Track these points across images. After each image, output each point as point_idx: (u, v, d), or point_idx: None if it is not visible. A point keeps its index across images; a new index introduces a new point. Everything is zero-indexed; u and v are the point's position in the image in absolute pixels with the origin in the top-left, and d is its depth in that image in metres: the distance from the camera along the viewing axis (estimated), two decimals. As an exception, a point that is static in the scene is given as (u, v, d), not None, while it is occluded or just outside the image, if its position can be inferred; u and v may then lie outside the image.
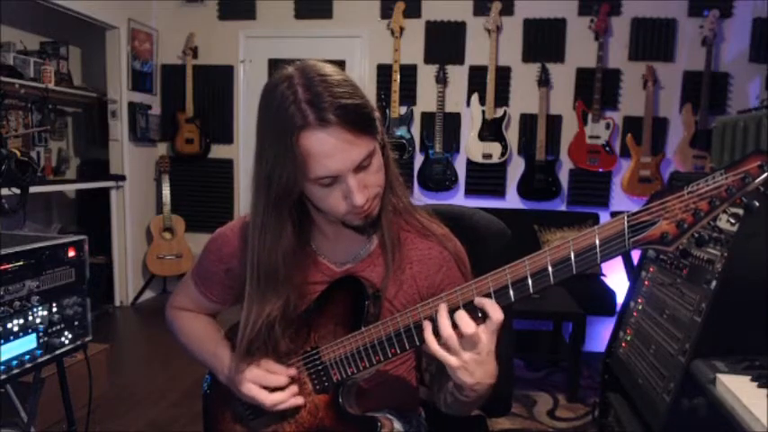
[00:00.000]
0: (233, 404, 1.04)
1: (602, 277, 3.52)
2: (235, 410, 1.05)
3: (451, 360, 0.79)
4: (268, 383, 0.94)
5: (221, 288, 1.09)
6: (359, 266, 1.00)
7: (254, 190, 0.92)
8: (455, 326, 0.79)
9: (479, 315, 0.79)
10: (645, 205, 0.72)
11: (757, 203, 0.67)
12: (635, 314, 1.69)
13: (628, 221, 0.72)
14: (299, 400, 0.96)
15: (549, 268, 0.76)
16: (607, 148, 3.91)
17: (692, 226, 0.70)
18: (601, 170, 3.96)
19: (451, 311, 0.80)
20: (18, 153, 1.59)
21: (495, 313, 0.78)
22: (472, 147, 4.02)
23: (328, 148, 0.81)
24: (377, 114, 0.88)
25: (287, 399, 0.94)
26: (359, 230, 0.97)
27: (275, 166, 0.85)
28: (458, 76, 4.10)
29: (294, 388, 0.96)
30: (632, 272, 2.06)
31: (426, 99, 4.14)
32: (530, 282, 0.77)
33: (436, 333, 0.81)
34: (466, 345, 0.79)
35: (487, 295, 0.79)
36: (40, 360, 1.54)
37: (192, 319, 1.14)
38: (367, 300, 0.92)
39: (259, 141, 0.89)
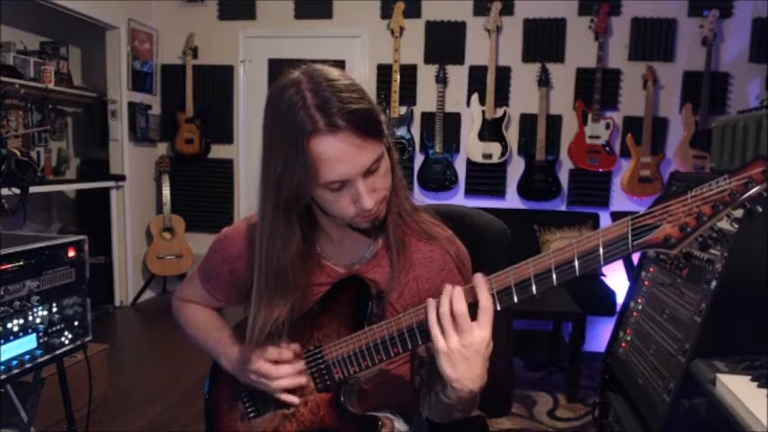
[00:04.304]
0: (234, 404, 1.05)
1: (603, 277, 3.52)
2: (236, 410, 1.05)
3: (439, 341, 0.80)
4: (270, 357, 0.95)
5: (225, 287, 1.11)
6: (363, 268, 1.01)
7: (263, 195, 0.92)
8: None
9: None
10: (649, 208, 0.72)
11: (760, 208, 0.67)
12: (635, 314, 1.69)
13: (631, 224, 0.72)
14: (302, 379, 0.96)
15: (553, 270, 0.76)
16: (607, 148, 3.91)
17: (695, 230, 0.70)
18: (601, 170, 3.96)
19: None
20: (18, 153, 1.59)
21: (485, 298, 0.78)
22: (472, 147, 4.02)
23: (338, 153, 0.81)
24: (383, 118, 0.88)
25: (291, 373, 0.95)
26: (366, 233, 0.97)
27: (284, 172, 0.85)
28: (458, 76, 4.10)
29: (299, 365, 0.96)
30: (632, 272, 2.06)
31: (426, 99, 4.13)
32: (533, 283, 0.77)
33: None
34: (458, 326, 0.79)
35: (491, 296, 0.79)
36: (40, 360, 1.54)
37: (197, 310, 1.16)
38: (370, 300, 0.92)
39: (266, 147, 0.89)
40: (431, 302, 0.82)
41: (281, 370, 0.95)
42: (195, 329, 1.13)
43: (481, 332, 0.78)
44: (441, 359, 0.80)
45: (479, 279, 0.80)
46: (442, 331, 0.80)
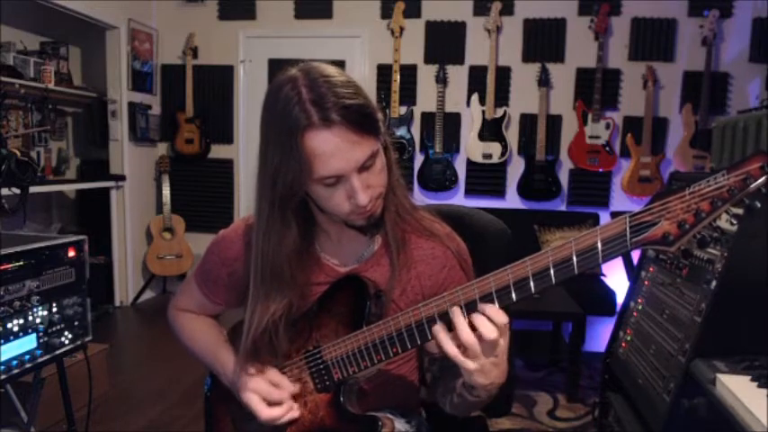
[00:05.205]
0: (234, 404, 1.05)
1: (603, 277, 3.52)
2: (235, 410, 1.05)
3: (470, 365, 0.79)
4: (268, 397, 0.94)
5: (224, 290, 1.09)
6: (363, 267, 1.00)
7: (259, 191, 0.92)
8: (473, 329, 0.78)
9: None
10: (646, 205, 0.72)
11: (759, 204, 0.67)
12: (635, 314, 1.69)
13: (629, 222, 0.72)
14: (295, 414, 0.96)
15: (551, 268, 0.75)
16: (607, 148, 3.91)
17: (693, 226, 0.70)
18: (601, 170, 3.96)
19: (468, 312, 0.80)
20: (18, 153, 1.59)
21: (499, 317, 0.78)
22: (472, 147, 4.02)
23: (332, 148, 0.81)
24: (380, 115, 0.88)
25: (282, 415, 0.94)
26: (362, 231, 0.96)
27: (280, 167, 0.85)
28: (458, 76, 4.10)
29: (292, 403, 0.96)
30: (632, 272, 2.06)
31: (426, 99, 4.13)
32: (531, 282, 0.77)
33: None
34: (486, 349, 0.78)
35: (489, 295, 0.79)
36: (40, 360, 1.54)
37: (193, 321, 1.14)
38: (369, 299, 0.92)
39: (263, 142, 0.89)
40: (442, 333, 0.80)
41: (273, 413, 0.94)
42: (191, 342, 1.11)
43: (505, 337, 0.80)
44: (473, 375, 0.79)
45: (487, 306, 0.79)
46: (471, 355, 0.79)
